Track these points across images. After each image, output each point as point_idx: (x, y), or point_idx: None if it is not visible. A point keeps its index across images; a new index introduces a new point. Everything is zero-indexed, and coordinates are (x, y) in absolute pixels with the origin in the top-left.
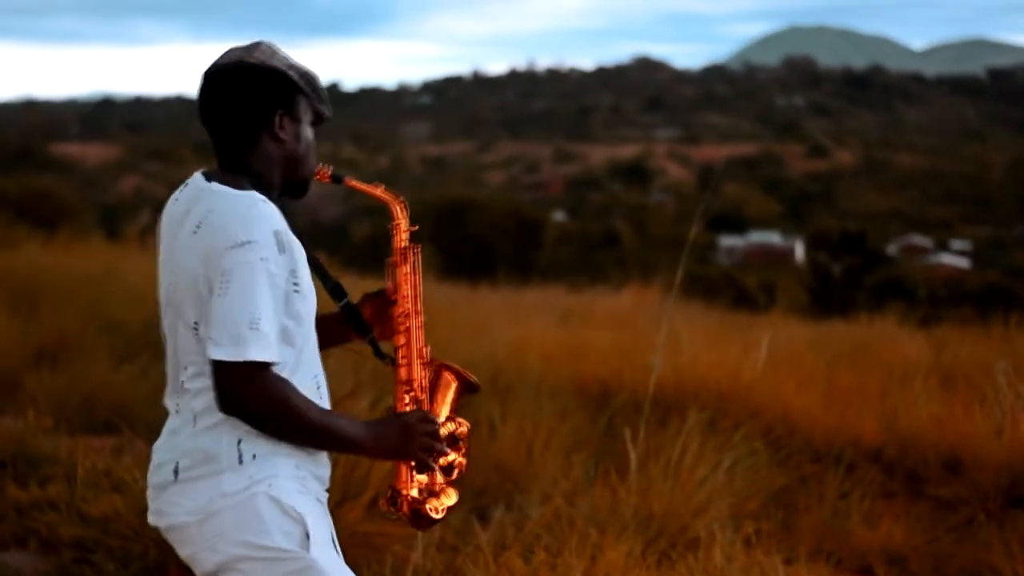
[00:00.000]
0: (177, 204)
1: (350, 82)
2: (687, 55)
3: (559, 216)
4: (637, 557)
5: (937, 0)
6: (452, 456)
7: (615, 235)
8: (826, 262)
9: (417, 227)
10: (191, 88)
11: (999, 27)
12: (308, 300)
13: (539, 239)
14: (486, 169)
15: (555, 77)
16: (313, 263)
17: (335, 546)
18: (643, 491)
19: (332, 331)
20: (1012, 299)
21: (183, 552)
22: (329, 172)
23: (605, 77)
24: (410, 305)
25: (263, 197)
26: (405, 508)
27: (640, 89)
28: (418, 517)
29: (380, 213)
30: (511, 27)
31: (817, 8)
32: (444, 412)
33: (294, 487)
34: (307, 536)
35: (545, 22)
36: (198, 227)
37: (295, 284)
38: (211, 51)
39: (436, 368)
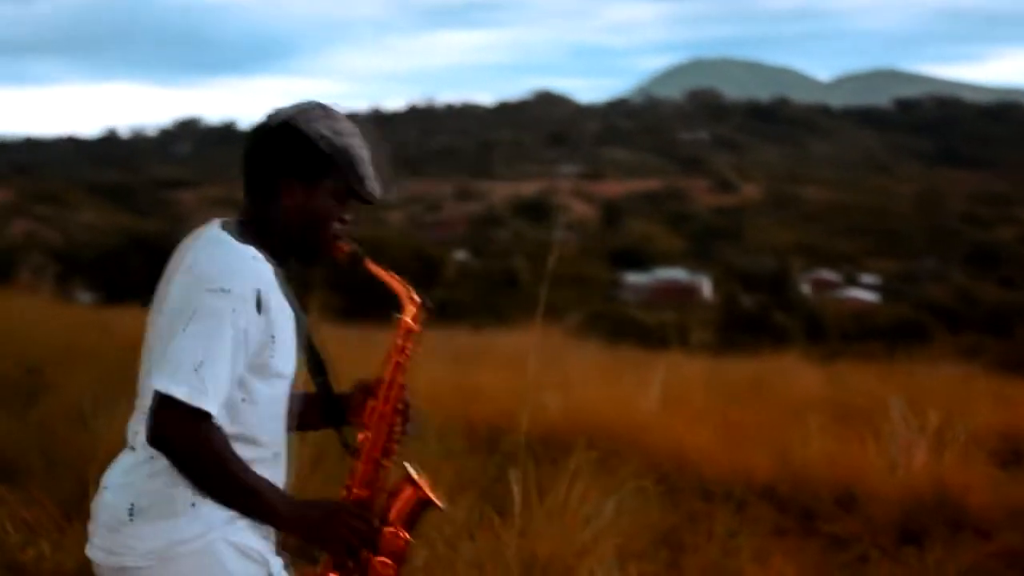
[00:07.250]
0: (182, 248)
1: (246, 121)
2: (590, 89)
3: (461, 255)
4: None
5: (843, 31)
6: (379, 558)
7: (515, 274)
8: (737, 298)
9: (420, 329)
10: (83, 128)
11: (907, 57)
12: (282, 367)
13: (438, 278)
14: (386, 208)
15: (455, 113)
16: (304, 335)
17: None
18: (527, 533)
19: (310, 413)
20: (922, 333)
21: None
22: (348, 249)
23: (506, 112)
24: (380, 403)
25: (258, 255)
26: None
27: (542, 124)
28: None
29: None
30: (412, 63)
31: (721, 40)
32: (390, 517)
33: (251, 529)
34: None
35: (447, 58)
36: (189, 268)
37: (271, 349)
38: (104, 91)
39: (401, 477)
